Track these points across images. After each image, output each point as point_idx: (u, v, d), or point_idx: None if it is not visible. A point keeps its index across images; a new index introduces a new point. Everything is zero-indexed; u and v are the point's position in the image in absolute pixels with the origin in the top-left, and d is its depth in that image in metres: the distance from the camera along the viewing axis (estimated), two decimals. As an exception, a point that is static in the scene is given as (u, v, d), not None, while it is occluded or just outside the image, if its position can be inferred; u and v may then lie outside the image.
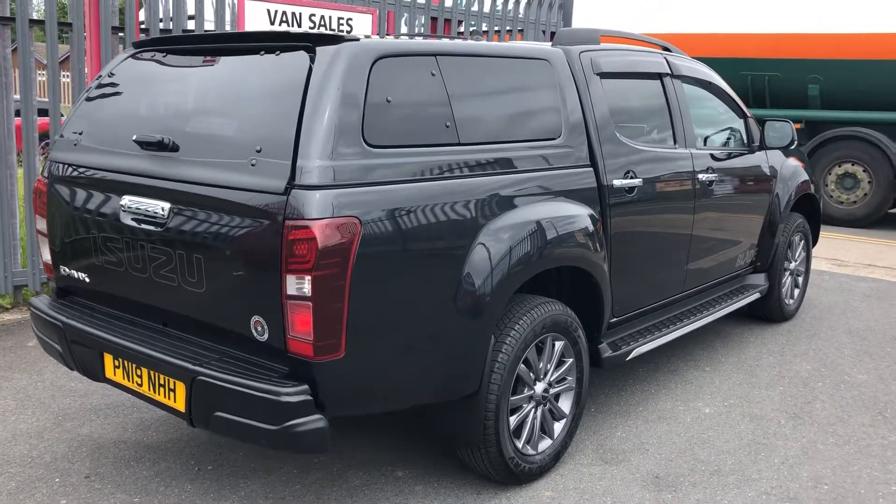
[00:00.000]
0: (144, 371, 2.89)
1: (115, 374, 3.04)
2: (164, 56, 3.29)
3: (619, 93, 3.97)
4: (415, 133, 2.86)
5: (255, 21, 5.87)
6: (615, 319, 3.95)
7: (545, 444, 3.49)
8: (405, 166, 2.77)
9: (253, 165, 2.61)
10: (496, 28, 7.81)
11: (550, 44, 3.86)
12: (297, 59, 2.75)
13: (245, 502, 3.20)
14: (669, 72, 4.38)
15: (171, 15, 6.02)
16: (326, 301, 2.50)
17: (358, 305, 2.58)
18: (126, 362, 2.96)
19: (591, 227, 3.52)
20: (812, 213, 5.98)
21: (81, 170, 3.22)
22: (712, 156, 4.61)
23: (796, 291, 5.94)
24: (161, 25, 6.05)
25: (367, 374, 2.71)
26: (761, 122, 5.28)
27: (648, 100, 4.26)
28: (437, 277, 2.87)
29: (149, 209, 2.88)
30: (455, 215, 2.91)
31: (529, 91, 3.47)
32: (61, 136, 3.42)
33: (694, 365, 4.90)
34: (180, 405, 2.78)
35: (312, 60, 2.70)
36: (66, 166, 3.30)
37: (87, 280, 3.25)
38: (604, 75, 3.85)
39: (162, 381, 2.84)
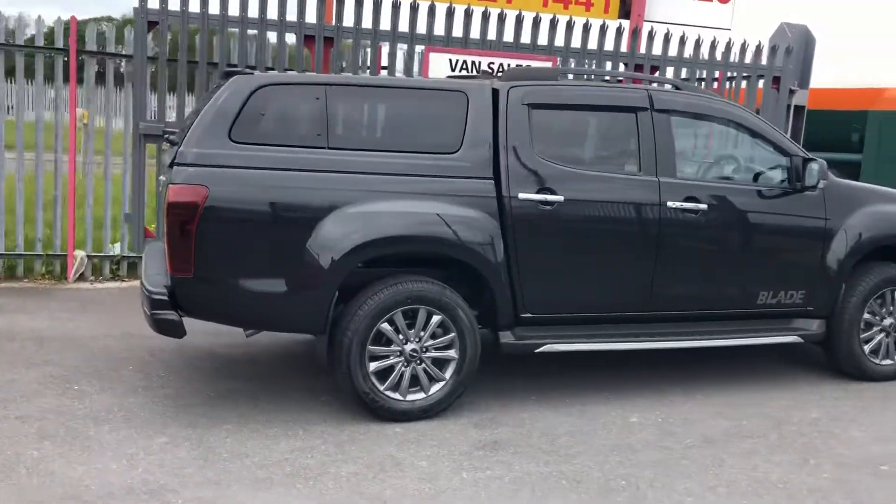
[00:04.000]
0: None
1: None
2: None
3: (557, 121, 4.62)
4: (282, 136, 4.13)
5: (439, 69, 7.32)
6: (529, 315, 4.58)
7: (417, 396, 4.37)
8: (263, 158, 4.06)
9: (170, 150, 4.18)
10: (701, 75, 8.05)
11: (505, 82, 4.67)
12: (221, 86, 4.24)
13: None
14: (649, 106, 4.76)
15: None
16: (177, 238, 3.93)
17: (206, 244, 3.96)
18: None
19: (475, 228, 4.31)
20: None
21: None
22: (703, 187, 4.81)
23: (901, 352, 5.41)
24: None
25: (211, 293, 4.06)
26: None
27: (606, 129, 4.75)
28: (282, 239, 4.07)
29: None
30: (309, 197, 4.09)
31: (429, 114, 4.42)
32: None
33: (682, 391, 5.05)
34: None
35: (220, 86, 4.17)
36: None
37: None
38: (535, 106, 4.55)
39: None
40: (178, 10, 6.80)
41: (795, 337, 5.14)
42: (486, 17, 7.38)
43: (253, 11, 6.94)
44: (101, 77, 7.59)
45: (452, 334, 4.36)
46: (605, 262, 4.69)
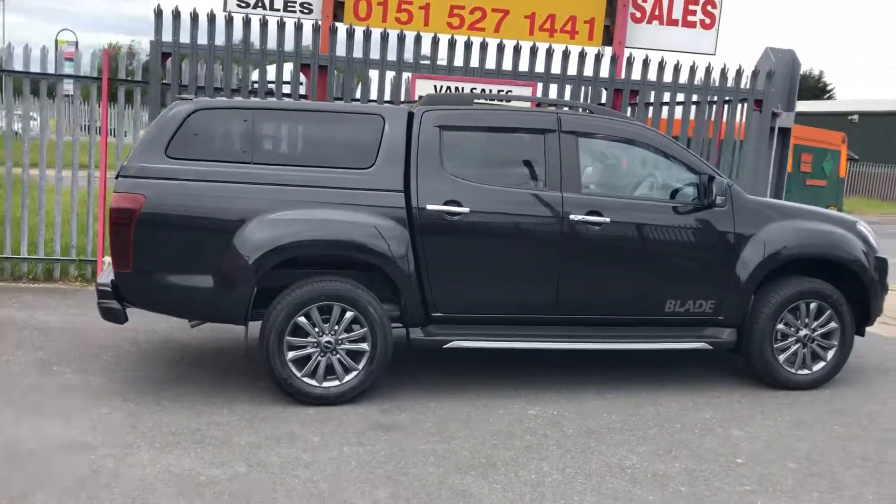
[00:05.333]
0: None
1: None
2: None
3: (467, 142, 5.15)
4: (212, 153, 4.80)
5: (425, 93, 7.89)
6: (440, 314, 5.09)
7: (332, 383, 4.94)
8: (195, 172, 4.74)
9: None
10: (695, 99, 8.36)
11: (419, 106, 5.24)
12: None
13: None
14: (557, 128, 5.23)
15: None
16: (118, 238, 4.65)
17: (142, 244, 4.66)
18: None
19: (383, 235, 4.87)
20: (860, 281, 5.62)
21: None
22: (607, 202, 5.23)
23: (820, 364, 5.64)
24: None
25: (147, 286, 4.74)
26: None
27: (515, 148, 5.25)
28: (210, 240, 4.73)
29: None
30: (233, 205, 4.75)
31: (348, 134, 5.03)
32: None
33: (596, 389, 5.44)
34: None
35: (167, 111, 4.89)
36: None
37: None
38: (446, 128, 5.09)
39: None
40: (188, 42, 7.64)
41: (704, 344, 5.46)
42: (468, 46, 7.94)
43: (254, 42, 7.72)
44: (129, 100, 8.57)
45: (365, 329, 4.92)
46: (511, 268, 5.15)
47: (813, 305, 5.57)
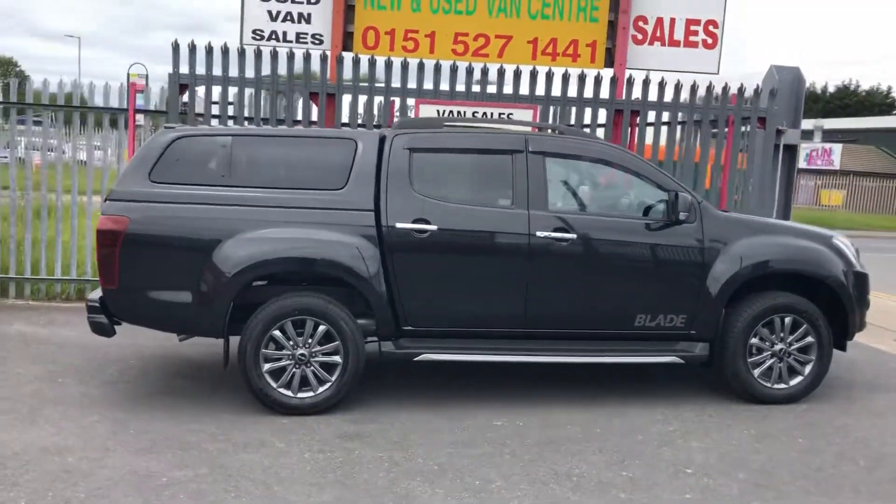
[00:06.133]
0: None
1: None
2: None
3: (436, 163, 5.38)
4: (192, 177, 5.14)
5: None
6: (411, 328, 5.31)
7: (307, 394, 5.19)
8: (175, 195, 5.08)
9: None
10: (697, 118, 8.42)
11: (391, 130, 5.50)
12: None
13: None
14: (524, 149, 5.42)
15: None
16: (104, 258, 5.00)
17: (126, 263, 5.00)
18: None
19: (354, 252, 5.12)
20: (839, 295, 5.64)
21: None
22: (574, 219, 5.38)
23: (798, 378, 5.65)
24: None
25: (132, 301, 5.08)
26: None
27: (483, 168, 5.46)
28: (189, 259, 5.05)
29: None
30: (210, 225, 5.06)
31: (321, 157, 5.30)
32: None
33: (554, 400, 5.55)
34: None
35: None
36: None
37: None
38: (415, 150, 5.34)
39: None
40: (203, 73, 8.08)
41: (675, 357, 5.54)
42: (469, 71, 8.19)
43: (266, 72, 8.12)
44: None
45: (337, 342, 5.17)
46: (478, 283, 5.34)
47: (788, 320, 5.60)
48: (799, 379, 5.68)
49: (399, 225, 5.23)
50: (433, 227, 5.24)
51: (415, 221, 5.24)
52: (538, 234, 5.32)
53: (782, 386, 5.67)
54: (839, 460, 4.70)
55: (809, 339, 5.64)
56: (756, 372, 5.61)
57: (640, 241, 5.47)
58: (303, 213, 5.18)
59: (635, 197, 5.72)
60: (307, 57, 8.13)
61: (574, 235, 5.35)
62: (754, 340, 5.59)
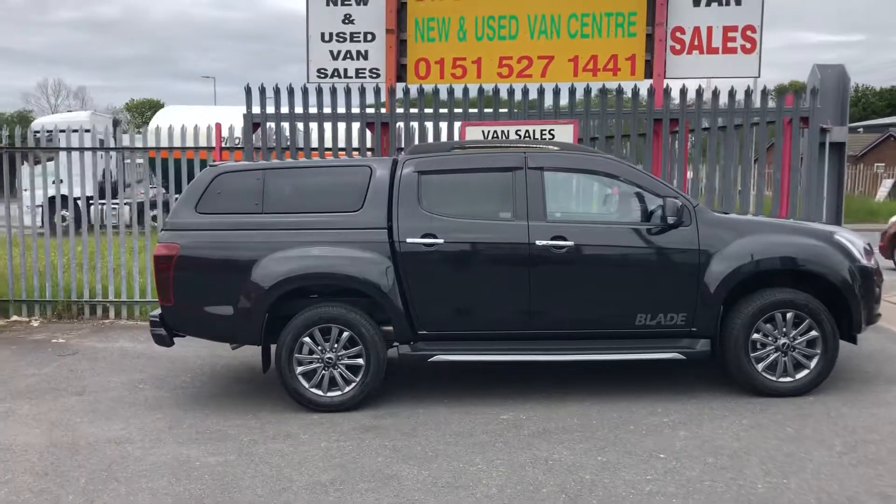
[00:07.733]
0: None
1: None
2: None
3: (443, 183, 5.96)
4: (232, 207, 5.95)
5: (475, 139, 8.73)
6: (425, 332, 5.90)
7: (335, 393, 5.87)
8: (217, 223, 5.90)
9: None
10: (738, 122, 8.57)
11: (404, 154, 6.13)
12: (203, 173, 6.20)
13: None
14: (523, 165, 5.92)
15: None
16: (161, 280, 5.88)
17: (179, 283, 5.86)
18: None
19: (373, 267, 5.77)
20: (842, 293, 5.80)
21: None
22: (572, 227, 5.82)
23: (804, 371, 5.82)
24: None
25: (186, 316, 5.92)
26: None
27: (486, 185, 5.99)
28: (230, 277, 5.84)
29: None
30: (247, 247, 5.85)
31: (341, 184, 5.99)
32: None
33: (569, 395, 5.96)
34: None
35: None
36: None
37: None
38: (424, 173, 5.94)
39: None
40: (273, 112, 9.00)
41: (677, 354, 5.85)
42: (511, 93, 8.71)
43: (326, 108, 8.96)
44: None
45: (360, 346, 5.83)
46: (485, 290, 5.87)
47: (789, 315, 5.80)
48: (805, 372, 5.85)
49: (409, 240, 5.84)
50: (440, 241, 5.82)
51: (423, 236, 5.84)
52: (537, 242, 5.80)
53: (788, 379, 5.86)
54: (816, 447, 4.90)
55: (814, 332, 5.81)
56: (760, 366, 5.84)
57: (637, 245, 5.84)
58: (325, 233, 5.88)
59: (632, 204, 6.08)
60: (362, 91, 8.90)
61: (571, 243, 5.79)
62: (756, 336, 5.82)
